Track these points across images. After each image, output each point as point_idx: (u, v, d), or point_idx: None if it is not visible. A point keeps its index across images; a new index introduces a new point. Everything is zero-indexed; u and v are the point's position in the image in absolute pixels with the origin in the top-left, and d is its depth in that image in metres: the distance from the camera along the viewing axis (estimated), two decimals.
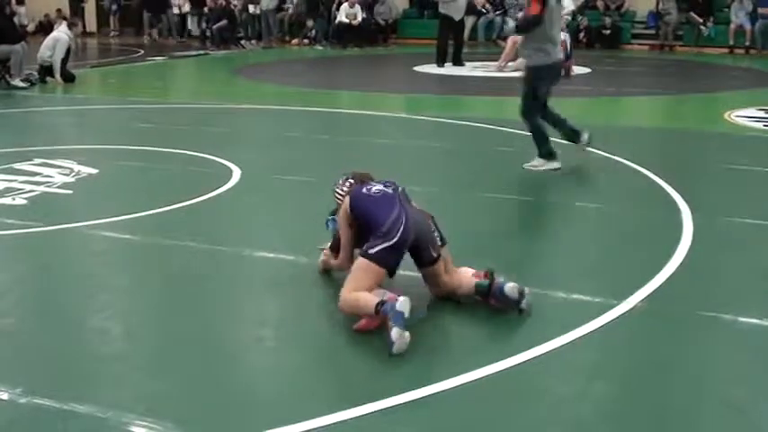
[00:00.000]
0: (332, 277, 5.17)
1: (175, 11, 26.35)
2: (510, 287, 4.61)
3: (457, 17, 17.22)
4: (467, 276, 4.80)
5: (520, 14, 18.59)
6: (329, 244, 5.22)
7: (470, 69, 17.54)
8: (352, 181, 5.06)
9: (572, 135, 8.36)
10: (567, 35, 17.12)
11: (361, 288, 4.46)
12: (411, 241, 4.61)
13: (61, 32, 15.32)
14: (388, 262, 4.56)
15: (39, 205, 6.94)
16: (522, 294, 4.62)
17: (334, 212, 5.16)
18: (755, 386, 3.94)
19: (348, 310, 4.49)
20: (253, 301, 5.03)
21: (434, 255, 4.72)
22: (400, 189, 4.87)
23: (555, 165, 8.03)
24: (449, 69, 17.22)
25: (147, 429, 3.47)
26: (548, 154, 8.06)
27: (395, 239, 4.52)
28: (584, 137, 8.34)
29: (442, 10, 17.59)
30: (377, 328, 4.30)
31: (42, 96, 14.05)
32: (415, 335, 4.27)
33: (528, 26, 7.79)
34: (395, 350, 4.13)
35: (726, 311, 4.67)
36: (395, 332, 4.14)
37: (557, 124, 8.31)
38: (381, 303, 4.28)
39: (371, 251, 4.52)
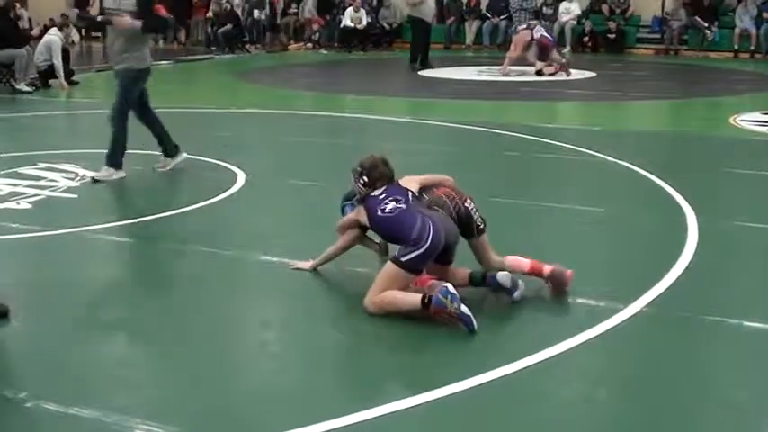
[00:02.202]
0: (336, 281, 5.16)
1: None
2: (502, 274, 4.84)
3: (428, 19, 17.61)
4: (460, 270, 4.98)
5: (533, 20, 18.89)
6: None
7: (476, 73, 17.56)
8: (366, 179, 5.09)
9: (171, 149, 8.37)
10: (542, 30, 17.19)
11: (390, 289, 4.61)
12: (443, 244, 4.72)
13: (52, 35, 15.31)
14: (419, 267, 4.69)
15: (43, 209, 6.95)
16: (515, 285, 4.82)
17: (350, 197, 5.39)
18: (760, 390, 3.93)
19: (380, 311, 4.59)
20: (257, 304, 5.03)
21: (452, 258, 4.93)
22: (410, 195, 4.92)
23: (121, 174, 7.88)
24: (452, 73, 17.21)
25: None
26: (118, 164, 7.87)
27: (426, 246, 4.63)
28: (181, 157, 8.36)
29: (413, 14, 18.10)
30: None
31: (47, 100, 14.06)
32: (418, 339, 4.27)
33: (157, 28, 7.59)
34: (476, 325, 4.38)
35: (731, 315, 4.66)
36: (465, 308, 4.37)
37: (160, 134, 8.32)
38: (429, 297, 4.46)
39: (404, 259, 4.64)
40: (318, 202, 6.78)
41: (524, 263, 5.08)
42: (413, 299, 4.54)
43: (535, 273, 5.03)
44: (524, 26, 17.55)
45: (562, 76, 16.77)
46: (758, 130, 10.83)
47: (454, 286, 4.58)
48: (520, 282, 4.84)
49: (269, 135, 10.95)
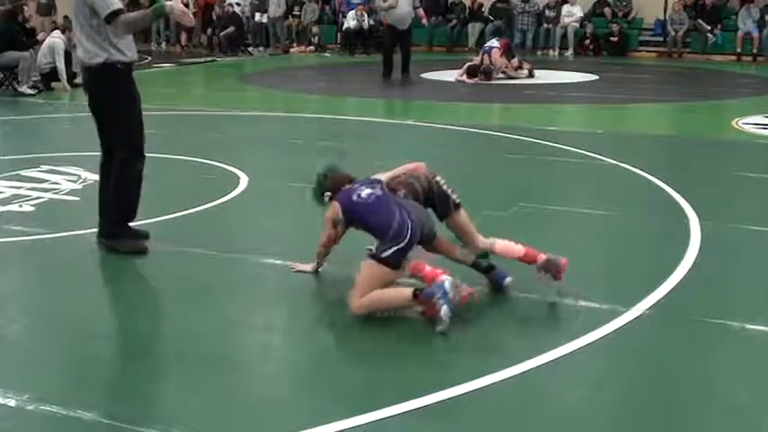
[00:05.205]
0: (338, 282, 5.16)
1: None
2: (510, 281, 5.03)
3: (401, 27, 16.39)
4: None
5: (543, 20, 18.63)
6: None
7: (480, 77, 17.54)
8: (330, 194, 5.10)
9: None
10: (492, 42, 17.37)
11: (374, 289, 4.58)
12: (419, 238, 4.74)
13: (55, 38, 15.31)
14: (400, 261, 4.66)
15: (46, 212, 6.95)
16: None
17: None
18: (762, 393, 3.92)
19: (367, 311, 4.58)
20: (260, 307, 5.03)
21: (434, 234, 4.95)
22: (383, 184, 4.97)
23: None
24: (454, 76, 17.16)
25: None
26: None
27: (405, 241, 4.62)
28: None
29: (386, 19, 16.84)
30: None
31: (50, 103, 14.07)
32: (421, 342, 4.27)
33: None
34: (442, 329, 4.39)
35: (733, 319, 4.66)
36: (444, 310, 4.38)
37: None
38: (420, 289, 4.49)
39: (384, 255, 4.61)
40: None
41: (517, 249, 5.09)
42: (402, 294, 4.56)
43: (528, 260, 5.05)
44: (495, 44, 17.40)
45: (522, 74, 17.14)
46: (761, 133, 10.82)
47: (455, 258, 4.85)
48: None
49: (271, 138, 10.95)
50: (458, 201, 5.10)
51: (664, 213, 6.86)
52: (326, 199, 5.12)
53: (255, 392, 3.97)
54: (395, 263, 4.63)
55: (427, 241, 4.95)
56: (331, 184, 5.12)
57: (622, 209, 7.04)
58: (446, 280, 4.51)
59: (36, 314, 4.93)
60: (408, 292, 4.54)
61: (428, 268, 4.85)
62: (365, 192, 4.88)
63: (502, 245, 5.11)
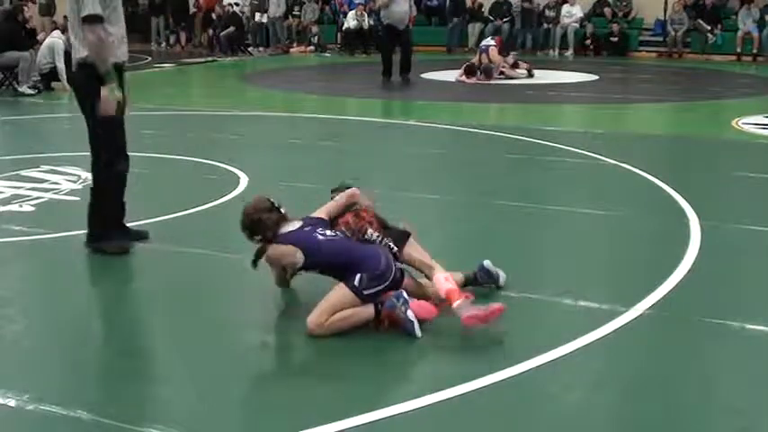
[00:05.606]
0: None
1: None
2: (488, 263, 5.00)
3: (400, 27, 16.19)
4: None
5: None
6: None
7: (479, 76, 17.54)
8: (259, 236, 4.77)
9: None
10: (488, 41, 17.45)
11: (337, 312, 4.46)
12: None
13: (55, 38, 15.30)
14: (375, 299, 4.53)
15: (46, 212, 6.96)
16: (497, 273, 5.03)
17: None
18: (762, 393, 3.92)
19: (331, 331, 4.41)
20: (260, 307, 5.02)
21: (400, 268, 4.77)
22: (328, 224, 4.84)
23: None
24: (454, 76, 17.16)
25: None
26: None
27: (389, 281, 4.54)
28: None
29: (384, 20, 16.55)
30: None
31: (49, 103, 14.07)
32: (419, 343, 4.27)
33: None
34: (418, 333, 4.37)
35: (733, 319, 4.66)
36: (411, 313, 4.37)
37: None
38: (381, 303, 4.44)
39: (366, 292, 4.47)
40: (320, 205, 6.76)
41: (445, 288, 4.59)
42: (364, 311, 4.48)
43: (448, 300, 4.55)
44: (491, 43, 17.44)
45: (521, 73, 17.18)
46: (761, 133, 10.82)
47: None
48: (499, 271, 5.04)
49: (272, 138, 10.95)
50: (395, 249, 4.81)
51: (664, 213, 6.86)
52: (257, 239, 4.80)
53: (256, 393, 3.98)
54: (371, 299, 4.50)
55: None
56: (261, 231, 4.78)
57: (622, 209, 7.04)
58: (400, 290, 4.51)
59: (36, 314, 4.93)
60: (369, 309, 4.47)
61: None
62: (328, 232, 4.72)
63: (438, 277, 4.67)
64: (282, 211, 4.86)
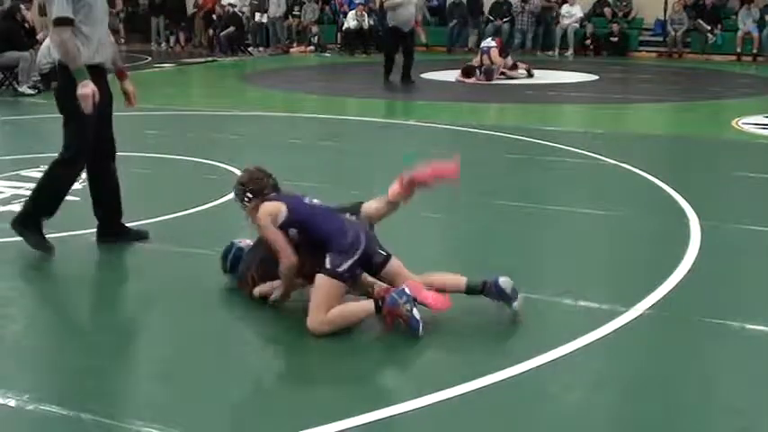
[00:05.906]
0: None
1: None
2: (504, 280, 4.57)
3: (405, 29, 15.87)
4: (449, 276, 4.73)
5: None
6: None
7: (479, 77, 17.55)
8: (250, 195, 4.80)
9: None
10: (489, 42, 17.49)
11: (333, 307, 4.41)
12: (367, 252, 4.55)
13: None
14: (354, 276, 4.52)
15: None
16: (515, 293, 4.58)
17: (229, 249, 5.12)
18: (762, 393, 3.92)
19: (329, 329, 4.39)
20: (259, 307, 5.02)
21: (384, 254, 4.65)
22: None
23: None
24: (454, 76, 17.16)
25: None
26: None
27: (359, 253, 4.48)
28: None
29: (390, 22, 16.19)
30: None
31: (49, 103, 13.97)
32: (420, 343, 4.26)
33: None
34: (421, 332, 4.30)
35: (733, 319, 4.66)
36: (416, 312, 4.30)
37: None
38: (382, 299, 4.38)
39: (340, 269, 4.42)
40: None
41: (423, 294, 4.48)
42: (365, 306, 4.45)
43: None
44: (492, 44, 17.43)
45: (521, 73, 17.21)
46: (761, 133, 10.82)
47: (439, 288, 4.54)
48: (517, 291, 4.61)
49: (272, 138, 10.94)
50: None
51: (664, 213, 6.86)
52: (247, 200, 4.81)
53: (256, 393, 3.98)
54: (349, 276, 4.47)
55: (379, 263, 4.62)
56: (254, 186, 4.83)
57: (622, 209, 7.04)
58: (405, 286, 4.40)
59: (36, 314, 4.93)
60: (370, 304, 4.43)
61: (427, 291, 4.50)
62: (315, 200, 4.77)
63: (413, 283, 4.53)
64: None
